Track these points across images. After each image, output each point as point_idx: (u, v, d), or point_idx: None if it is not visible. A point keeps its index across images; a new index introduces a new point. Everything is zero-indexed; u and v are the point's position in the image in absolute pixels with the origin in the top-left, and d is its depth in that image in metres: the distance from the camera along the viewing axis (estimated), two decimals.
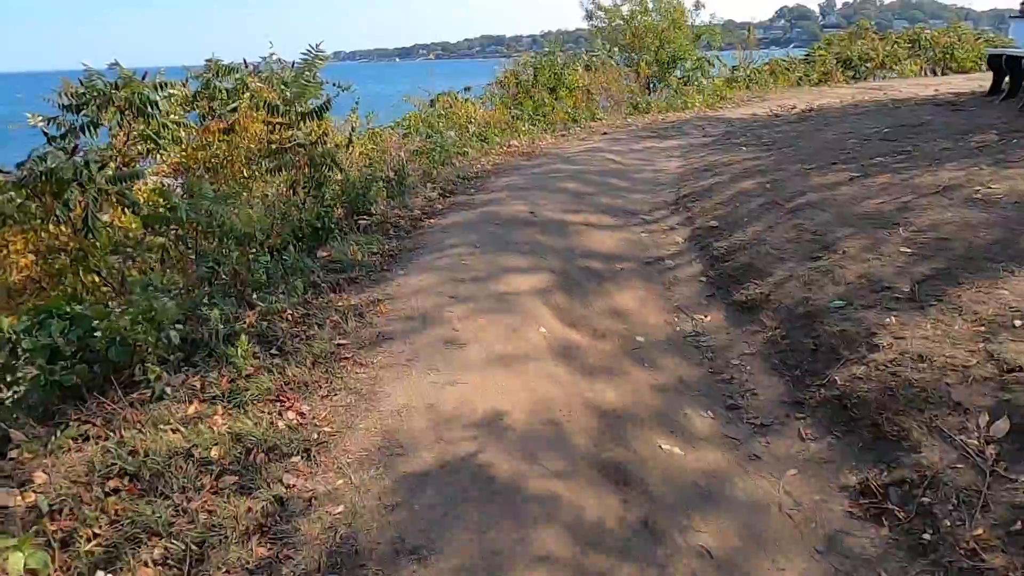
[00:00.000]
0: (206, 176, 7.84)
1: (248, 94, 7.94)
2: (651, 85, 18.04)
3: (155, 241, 5.86)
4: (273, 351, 3.58)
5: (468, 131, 10.29)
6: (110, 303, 4.37)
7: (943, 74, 22.24)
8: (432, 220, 5.82)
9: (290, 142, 6.98)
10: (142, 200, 7.07)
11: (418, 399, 3.11)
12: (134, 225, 5.95)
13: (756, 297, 4.29)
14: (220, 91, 9.49)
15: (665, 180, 7.30)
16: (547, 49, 14.01)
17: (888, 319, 3.39)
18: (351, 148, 9.26)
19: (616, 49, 18.07)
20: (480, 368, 3.41)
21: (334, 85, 9.48)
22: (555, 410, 3.12)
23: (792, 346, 3.68)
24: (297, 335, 3.74)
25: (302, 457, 2.72)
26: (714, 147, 8.86)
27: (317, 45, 6.90)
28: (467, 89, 12.25)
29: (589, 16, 18.89)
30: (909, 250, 4.02)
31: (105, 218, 5.72)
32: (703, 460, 2.93)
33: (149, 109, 7.73)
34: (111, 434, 2.83)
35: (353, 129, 9.48)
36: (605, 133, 10.75)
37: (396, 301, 4.17)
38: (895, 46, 22.63)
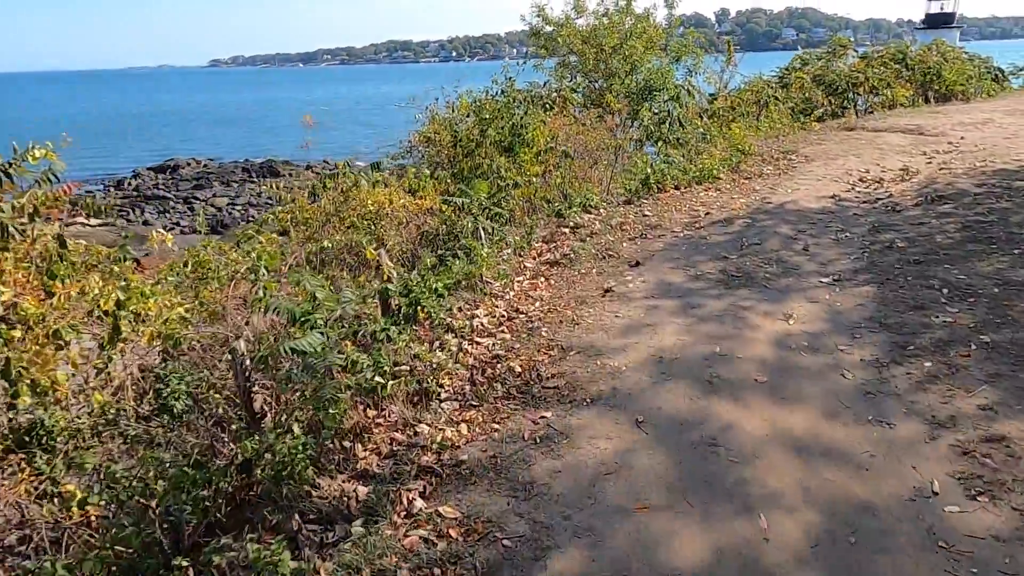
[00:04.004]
0: None
1: None
2: (623, 125, 13.35)
3: None
4: None
5: (384, 273, 5.13)
6: None
7: (939, 101, 18.87)
8: None
9: None
10: None
11: None
12: None
13: None
14: None
15: None
16: (500, 87, 8.97)
17: None
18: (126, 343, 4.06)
19: (579, 78, 13.28)
20: None
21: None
22: None
23: None
24: None
25: None
26: (918, 344, 4.17)
27: None
28: (376, 166, 7.06)
29: (535, 33, 13.94)
30: None
31: None
32: None
33: None
34: None
35: (141, 318, 4.19)
36: (637, 264, 5.86)
37: None
38: (884, 68, 19.12)
